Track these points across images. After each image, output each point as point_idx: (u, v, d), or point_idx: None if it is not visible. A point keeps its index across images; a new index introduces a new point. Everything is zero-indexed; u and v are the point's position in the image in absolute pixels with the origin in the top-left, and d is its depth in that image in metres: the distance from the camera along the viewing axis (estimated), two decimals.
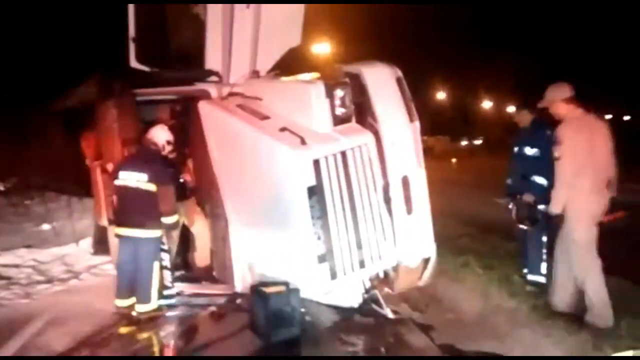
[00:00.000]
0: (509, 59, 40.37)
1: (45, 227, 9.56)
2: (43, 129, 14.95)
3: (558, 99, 5.02)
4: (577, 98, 5.01)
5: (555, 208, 4.99)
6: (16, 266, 7.29)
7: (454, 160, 34.68)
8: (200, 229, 6.40)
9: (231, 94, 5.75)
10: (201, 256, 6.54)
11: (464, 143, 51.14)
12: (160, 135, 5.66)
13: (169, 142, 5.71)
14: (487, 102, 57.09)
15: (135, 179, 5.29)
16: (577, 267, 4.90)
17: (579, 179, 4.79)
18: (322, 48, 24.65)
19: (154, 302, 5.30)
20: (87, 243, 8.06)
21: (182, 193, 6.04)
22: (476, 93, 53.62)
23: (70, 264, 7.41)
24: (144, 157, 5.49)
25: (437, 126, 40.93)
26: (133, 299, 5.33)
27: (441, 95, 50.57)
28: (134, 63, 5.93)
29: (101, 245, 7.36)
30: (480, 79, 47.20)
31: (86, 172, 8.64)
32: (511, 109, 46.50)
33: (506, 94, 46.58)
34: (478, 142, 53.10)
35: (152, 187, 5.27)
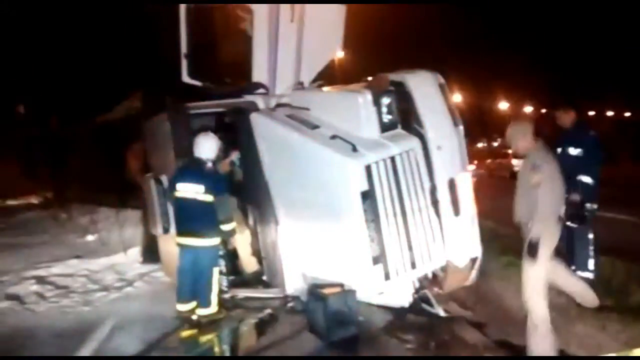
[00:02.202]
0: (524, 59, 40.24)
1: (90, 238, 9.84)
2: (77, 145, 15.36)
3: (529, 131, 4.85)
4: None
5: (537, 236, 4.53)
6: (70, 276, 7.51)
7: (475, 162, 34.47)
8: (241, 238, 6.60)
9: (279, 105, 5.97)
10: (246, 262, 6.74)
11: (480, 145, 51.01)
12: (212, 146, 5.84)
13: (219, 153, 5.93)
14: (503, 103, 56.77)
15: (193, 191, 5.50)
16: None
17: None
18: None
19: (214, 306, 5.52)
20: (134, 252, 8.29)
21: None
22: (492, 94, 53.38)
23: (122, 272, 7.65)
24: (198, 168, 5.68)
25: None
26: (193, 303, 5.55)
27: (456, 98, 50.43)
28: (186, 78, 6.17)
29: (150, 253, 7.61)
30: (495, 80, 47.10)
31: (125, 184, 8.91)
32: (528, 109, 46.42)
33: (522, 94, 46.41)
34: (496, 143, 52.79)
35: (209, 198, 5.49)
